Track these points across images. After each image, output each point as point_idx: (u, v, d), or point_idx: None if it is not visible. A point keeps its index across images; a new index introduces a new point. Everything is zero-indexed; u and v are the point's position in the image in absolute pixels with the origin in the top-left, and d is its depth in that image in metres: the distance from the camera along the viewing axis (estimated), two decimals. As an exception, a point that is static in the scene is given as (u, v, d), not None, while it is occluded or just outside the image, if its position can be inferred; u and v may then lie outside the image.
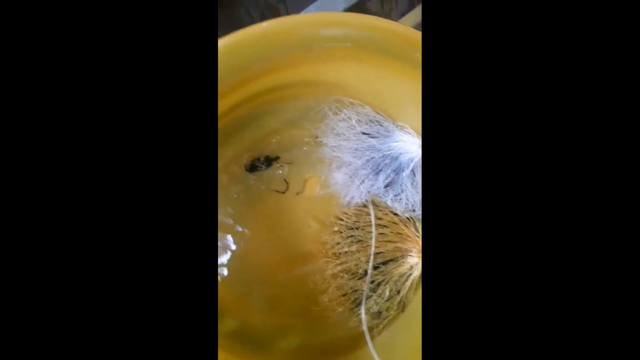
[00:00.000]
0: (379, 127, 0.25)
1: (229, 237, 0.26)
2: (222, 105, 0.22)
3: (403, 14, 0.39)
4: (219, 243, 0.26)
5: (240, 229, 0.26)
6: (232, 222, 0.26)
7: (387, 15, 0.39)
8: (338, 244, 0.26)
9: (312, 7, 0.32)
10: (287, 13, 0.37)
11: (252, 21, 0.37)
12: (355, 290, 0.26)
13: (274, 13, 0.37)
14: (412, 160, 0.25)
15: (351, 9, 0.36)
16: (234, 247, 0.26)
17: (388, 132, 0.25)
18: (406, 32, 0.20)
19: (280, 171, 0.26)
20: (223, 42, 0.19)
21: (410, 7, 0.40)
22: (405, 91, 0.23)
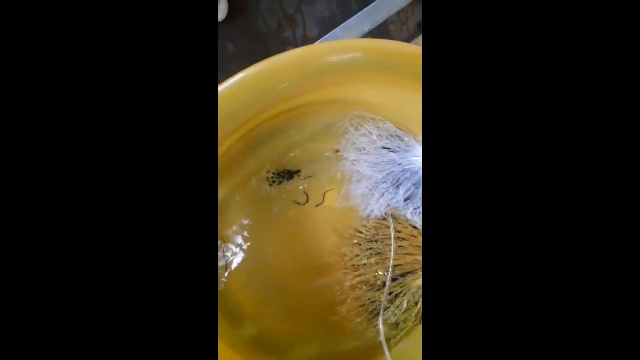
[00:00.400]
0: (400, 141, 0.25)
1: (250, 247, 0.27)
2: (247, 125, 0.23)
3: (420, 23, 0.39)
4: (242, 252, 0.27)
5: (261, 239, 0.27)
6: (253, 232, 0.27)
7: (404, 24, 0.39)
8: (357, 256, 0.27)
9: (337, 29, 0.33)
10: (304, 22, 0.37)
11: (269, 30, 0.37)
12: (373, 302, 0.27)
13: (290, 22, 0.37)
14: (431, 174, 0.25)
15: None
16: (254, 256, 0.27)
17: (408, 146, 0.25)
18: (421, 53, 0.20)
19: (301, 184, 0.27)
20: (251, 71, 0.20)
21: (426, 15, 0.40)
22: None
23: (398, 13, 0.39)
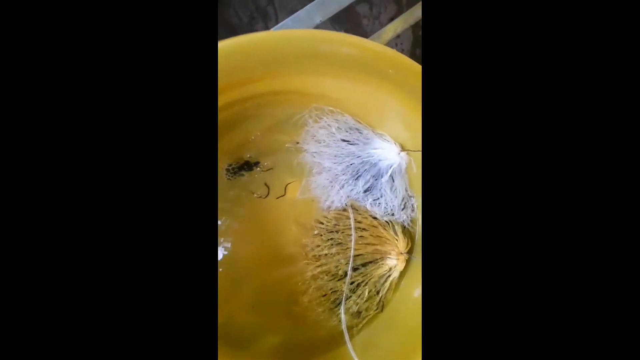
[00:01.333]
0: (359, 134, 0.25)
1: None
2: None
3: (392, 18, 0.39)
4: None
5: (223, 231, 0.27)
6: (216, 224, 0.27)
7: (376, 19, 0.40)
8: (318, 246, 0.27)
9: (289, 19, 0.33)
10: (276, 15, 0.37)
11: (241, 22, 0.37)
12: (335, 291, 0.27)
13: (263, 14, 0.37)
14: (390, 167, 0.25)
15: (340, 13, 0.37)
16: (217, 249, 0.27)
17: (367, 139, 0.25)
18: (384, 51, 0.21)
19: (262, 176, 0.27)
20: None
21: (399, 10, 0.40)
22: (385, 103, 0.24)
23: (371, 7, 0.40)
